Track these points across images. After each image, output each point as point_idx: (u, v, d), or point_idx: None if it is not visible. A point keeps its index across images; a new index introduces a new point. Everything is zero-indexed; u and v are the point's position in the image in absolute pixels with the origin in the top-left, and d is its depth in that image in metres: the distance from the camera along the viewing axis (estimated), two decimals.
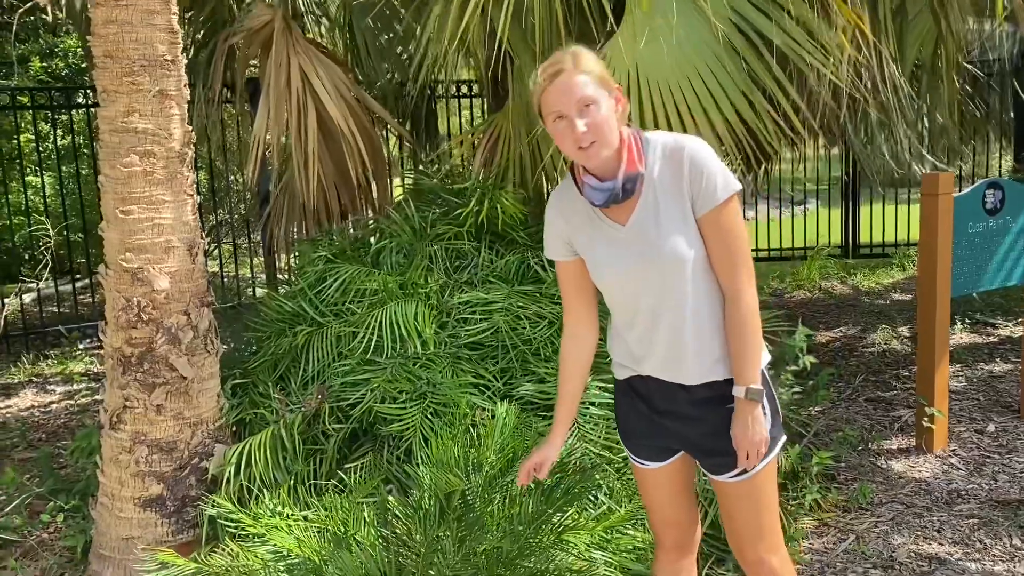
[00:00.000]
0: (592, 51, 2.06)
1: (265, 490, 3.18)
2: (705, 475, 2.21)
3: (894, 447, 4.29)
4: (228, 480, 3.24)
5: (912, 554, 3.31)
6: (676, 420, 2.16)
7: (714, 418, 2.10)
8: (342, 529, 2.42)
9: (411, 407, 3.24)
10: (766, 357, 2.16)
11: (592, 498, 3.27)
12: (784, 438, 2.18)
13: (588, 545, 3.05)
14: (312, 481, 3.29)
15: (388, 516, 2.41)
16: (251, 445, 3.28)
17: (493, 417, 3.12)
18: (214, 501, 2.79)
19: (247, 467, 3.23)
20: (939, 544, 3.38)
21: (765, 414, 2.10)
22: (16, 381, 6.68)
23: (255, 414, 3.56)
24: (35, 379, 6.71)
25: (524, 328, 3.43)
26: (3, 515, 3.89)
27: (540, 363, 3.39)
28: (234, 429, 3.60)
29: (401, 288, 3.58)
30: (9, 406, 5.99)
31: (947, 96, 5.25)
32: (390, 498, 2.44)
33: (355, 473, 2.98)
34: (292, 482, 3.23)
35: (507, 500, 2.53)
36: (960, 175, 9.13)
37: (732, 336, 2.05)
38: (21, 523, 3.82)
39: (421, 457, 3.02)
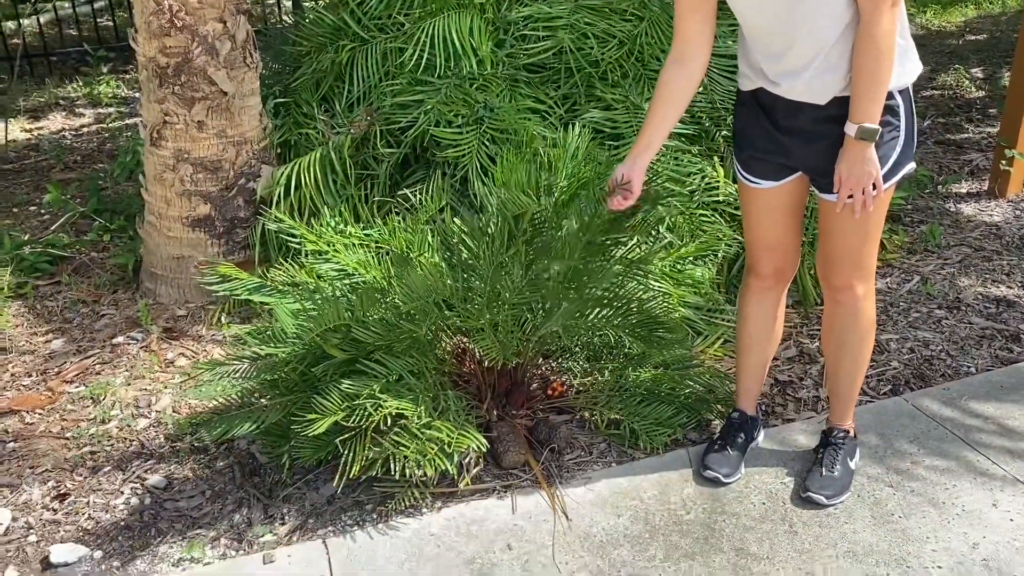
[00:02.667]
0: None
1: (319, 211, 3.08)
2: (814, 192, 2.06)
3: (964, 191, 4.09)
4: (278, 202, 3.13)
5: (979, 296, 3.23)
6: (798, 137, 1.98)
7: (839, 135, 1.90)
8: (406, 250, 2.32)
9: (467, 132, 3.03)
10: (914, 71, 1.91)
11: (652, 231, 3.15)
12: (912, 165, 1.99)
13: (651, 276, 2.97)
14: (369, 202, 3.17)
15: (453, 238, 2.30)
16: (299, 166, 3.13)
17: (555, 146, 2.92)
18: (274, 216, 2.68)
19: (296, 190, 3.10)
20: (1008, 287, 3.28)
21: (897, 138, 1.90)
22: (43, 103, 6.48)
23: (300, 135, 3.38)
24: (62, 102, 6.50)
25: (591, 48, 3.13)
26: (50, 233, 3.85)
27: (607, 88, 3.13)
28: (279, 151, 3.44)
29: None
30: (39, 128, 5.84)
31: None
32: (455, 220, 2.32)
33: (414, 197, 2.84)
34: (344, 207, 3.12)
35: (578, 226, 2.40)
36: None
37: (858, 64, 1.80)
38: (69, 242, 3.80)
39: (480, 183, 2.86)
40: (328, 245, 2.30)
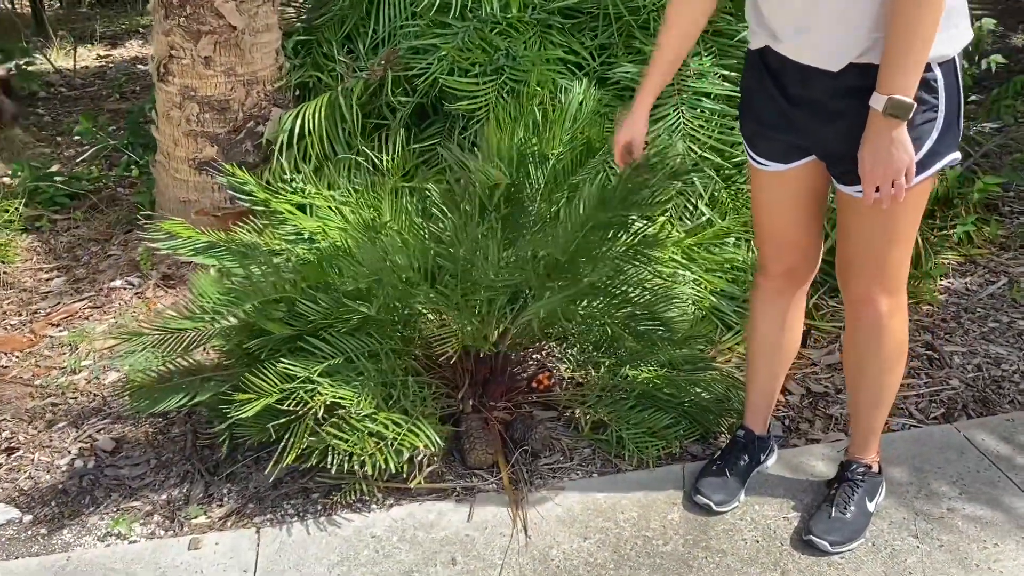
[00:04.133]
0: None
1: (324, 164, 2.86)
2: (833, 184, 1.69)
3: None
4: (283, 149, 2.91)
5: None
6: (810, 113, 1.61)
7: (860, 114, 1.52)
8: (373, 215, 2.06)
9: (485, 82, 2.72)
10: (959, 39, 1.51)
11: (690, 206, 2.79)
12: (954, 156, 1.59)
13: (674, 259, 2.63)
14: (385, 154, 2.92)
15: (427, 207, 2.02)
16: (306, 112, 2.89)
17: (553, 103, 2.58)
18: (225, 169, 2.46)
19: (301, 139, 2.87)
20: None
21: (933, 121, 1.51)
22: (124, 29, 6.48)
23: (319, 78, 3.14)
24: (141, 29, 6.49)
25: None
26: (77, 166, 3.77)
27: (648, 39, 2.75)
28: (297, 93, 3.21)
29: None
30: (111, 56, 5.82)
31: None
32: (429, 186, 2.04)
33: (407, 157, 2.56)
34: (352, 159, 2.87)
35: (576, 200, 2.08)
36: None
37: (893, 18, 1.42)
38: (97, 175, 3.71)
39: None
40: (282, 206, 2.07)
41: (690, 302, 2.63)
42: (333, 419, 1.89)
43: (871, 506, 1.94)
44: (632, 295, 2.11)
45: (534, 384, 2.31)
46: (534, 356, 2.44)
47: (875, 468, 1.97)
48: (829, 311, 2.74)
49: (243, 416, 1.87)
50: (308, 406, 1.86)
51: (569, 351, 2.33)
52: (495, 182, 1.82)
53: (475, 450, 2.12)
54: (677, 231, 2.75)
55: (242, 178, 2.13)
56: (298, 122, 2.87)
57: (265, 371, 1.89)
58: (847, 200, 1.62)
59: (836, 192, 1.67)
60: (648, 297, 2.11)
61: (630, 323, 2.09)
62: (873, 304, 1.70)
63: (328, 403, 1.85)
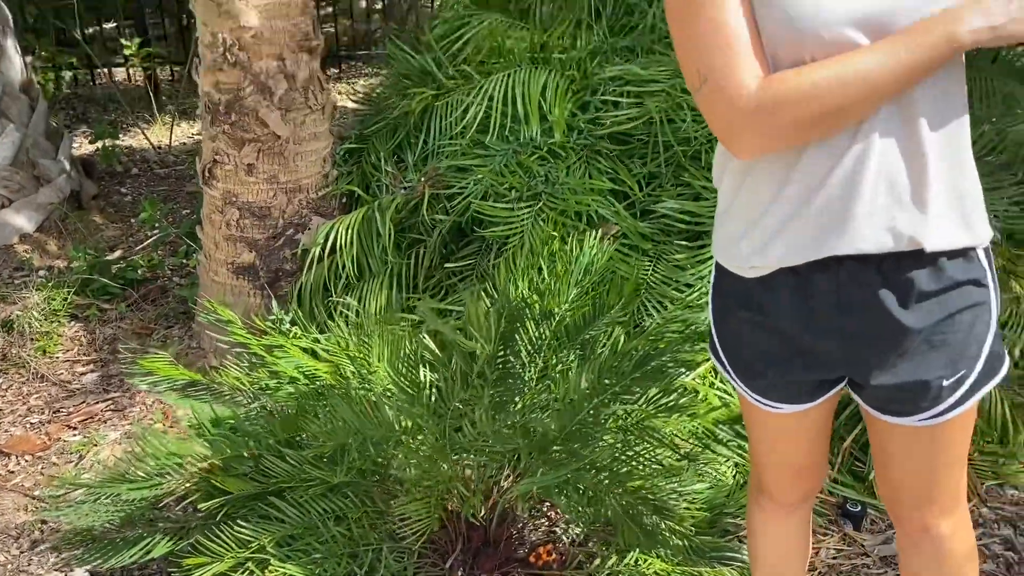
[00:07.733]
0: None
1: (358, 277, 2.75)
2: (865, 411, 1.37)
3: None
4: (315, 262, 2.82)
5: None
6: (851, 340, 1.25)
7: (941, 319, 1.21)
8: (360, 359, 1.90)
9: (519, 209, 2.56)
10: (987, 232, 1.22)
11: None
12: (1005, 368, 1.27)
13: (702, 430, 2.35)
14: (415, 274, 2.79)
15: (414, 361, 1.85)
16: (341, 226, 2.80)
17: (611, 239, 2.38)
18: (207, 303, 2.36)
19: (332, 253, 2.77)
20: None
21: (988, 320, 1.23)
22: None
23: (364, 188, 3.05)
24: None
25: (684, 120, 2.54)
26: (138, 252, 3.81)
27: (697, 172, 2.53)
28: (344, 201, 3.14)
29: (542, 50, 2.78)
30: None
31: None
32: (424, 340, 1.87)
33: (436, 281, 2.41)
34: (385, 276, 2.76)
35: (580, 367, 1.87)
36: None
37: None
38: (156, 262, 3.73)
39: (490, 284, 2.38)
40: (261, 348, 1.94)
41: (732, 463, 2.36)
42: None
43: None
44: (642, 473, 1.86)
45: (532, 558, 2.07)
46: (541, 520, 2.21)
47: None
48: None
49: None
50: None
51: (573, 525, 2.09)
52: (466, 348, 1.63)
53: None
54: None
55: (223, 315, 2.02)
56: (331, 235, 2.77)
57: (221, 533, 1.75)
58: (888, 430, 1.33)
59: (870, 421, 1.37)
60: (659, 478, 1.85)
61: (638, 506, 1.83)
62: (929, 531, 1.39)
63: None
